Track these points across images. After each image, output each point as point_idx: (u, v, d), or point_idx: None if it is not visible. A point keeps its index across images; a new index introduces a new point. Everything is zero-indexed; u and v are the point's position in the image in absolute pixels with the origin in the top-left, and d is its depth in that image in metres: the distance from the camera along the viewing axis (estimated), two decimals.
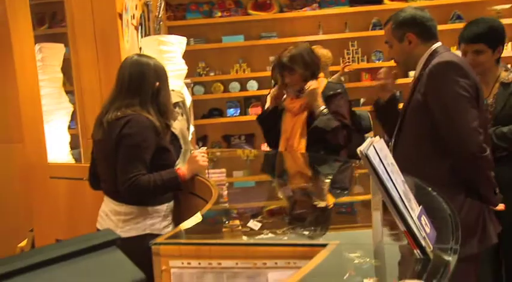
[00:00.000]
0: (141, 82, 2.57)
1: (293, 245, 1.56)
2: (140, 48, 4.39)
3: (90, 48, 3.84)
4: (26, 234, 3.62)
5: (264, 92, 6.29)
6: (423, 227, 1.29)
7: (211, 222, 2.20)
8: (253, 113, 6.52)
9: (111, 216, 2.59)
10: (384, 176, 1.25)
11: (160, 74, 2.62)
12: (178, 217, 2.65)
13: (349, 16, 6.49)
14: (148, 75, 2.57)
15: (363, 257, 1.41)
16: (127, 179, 2.44)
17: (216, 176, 2.86)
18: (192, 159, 2.69)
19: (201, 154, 2.71)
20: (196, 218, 2.05)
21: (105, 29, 3.85)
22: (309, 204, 2.41)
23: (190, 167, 2.66)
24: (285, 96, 3.47)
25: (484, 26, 2.90)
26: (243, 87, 6.61)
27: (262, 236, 1.77)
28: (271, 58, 6.51)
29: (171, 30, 6.22)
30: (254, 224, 1.92)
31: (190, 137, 3.77)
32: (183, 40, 4.18)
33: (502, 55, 3.04)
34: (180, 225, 1.97)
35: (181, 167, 2.64)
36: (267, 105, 3.55)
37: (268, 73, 6.44)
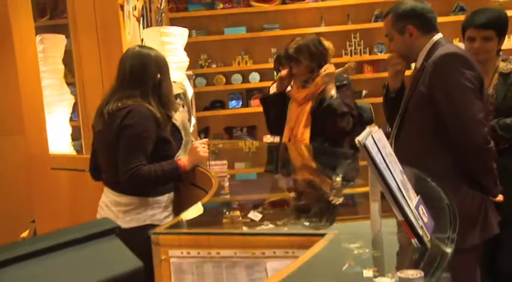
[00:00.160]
0: (142, 74, 2.57)
1: (291, 234, 1.57)
2: (142, 40, 4.39)
3: (91, 39, 3.84)
4: (27, 225, 3.63)
5: (266, 84, 6.29)
6: (421, 217, 1.29)
7: (212, 213, 2.20)
8: (255, 105, 6.52)
9: (111, 207, 2.59)
10: (382, 166, 1.25)
11: (161, 65, 2.62)
12: (178, 208, 2.65)
13: (352, 8, 6.47)
14: (149, 67, 2.57)
15: (361, 246, 1.42)
16: (128, 169, 2.44)
17: (218, 168, 2.87)
18: (193, 150, 2.70)
19: (201, 145, 2.71)
20: (197, 209, 2.06)
21: (107, 20, 3.85)
22: (310, 196, 2.42)
23: (191, 158, 2.66)
24: (291, 84, 3.49)
25: (495, 13, 2.90)
26: (245, 79, 6.60)
27: (262, 227, 1.78)
28: (273, 50, 6.51)
29: (173, 22, 6.21)
30: (255, 215, 1.92)
31: (191, 129, 3.77)
32: (185, 32, 4.18)
33: (504, 47, 3.04)
34: (180, 215, 1.98)
35: (182, 158, 2.65)
36: (273, 89, 3.57)
37: (270, 65, 6.45)
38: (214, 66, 6.61)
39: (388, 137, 1.92)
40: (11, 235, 3.47)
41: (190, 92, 4.02)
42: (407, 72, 2.69)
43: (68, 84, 4.31)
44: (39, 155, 3.57)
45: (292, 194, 2.53)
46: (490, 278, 3.02)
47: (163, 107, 2.59)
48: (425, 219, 1.32)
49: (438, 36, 2.48)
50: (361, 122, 3.60)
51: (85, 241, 0.99)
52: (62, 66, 4.19)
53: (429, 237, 1.29)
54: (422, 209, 1.34)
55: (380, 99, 2.99)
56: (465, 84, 2.27)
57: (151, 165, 2.49)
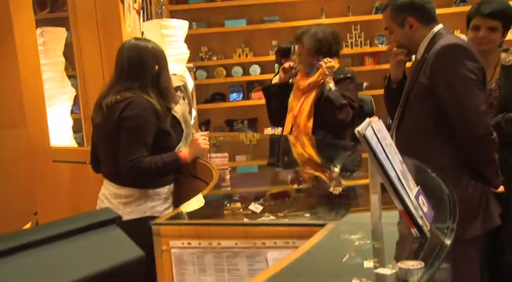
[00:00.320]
0: (140, 66, 2.56)
1: (292, 225, 1.58)
2: (142, 33, 4.39)
3: (91, 32, 3.83)
4: (29, 218, 3.65)
5: (267, 76, 6.29)
6: (420, 207, 1.30)
7: (213, 205, 2.21)
8: (256, 97, 6.52)
9: (111, 200, 2.60)
10: (382, 156, 1.26)
11: (159, 57, 2.61)
12: (179, 199, 2.66)
13: (352, 0, 6.46)
14: (147, 59, 2.56)
15: (362, 237, 1.42)
16: (129, 161, 2.44)
17: (219, 160, 2.88)
18: (194, 142, 2.70)
19: (202, 137, 2.72)
20: (198, 200, 2.06)
21: (107, 13, 3.84)
22: (311, 188, 2.43)
23: (192, 150, 2.67)
24: (296, 71, 3.50)
25: (502, 5, 2.89)
26: (246, 72, 6.60)
27: (263, 218, 1.78)
28: (274, 42, 6.50)
29: (173, 14, 6.20)
30: (255, 207, 1.93)
31: (192, 121, 3.77)
32: (185, 24, 4.17)
33: (507, 38, 3.04)
34: (181, 206, 1.99)
35: (183, 150, 2.65)
36: (275, 81, 3.58)
37: (270, 57, 6.45)
38: (214, 58, 6.61)
39: (389, 129, 1.92)
40: (14, 227, 3.48)
41: (190, 85, 4.02)
42: (408, 64, 2.69)
43: (69, 77, 4.31)
44: (41, 147, 3.58)
45: (293, 186, 2.54)
46: (490, 271, 3.03)
47: (162, 99, 2.59)
48: (425, 209, 1.33)
49: (438, 27, 2.47)
50: (362, 114, 3.60)
51: (86, 231, 0.99)
52: (63, 59, 4.19)
53: (429, 227, 1.30)
54: (422, 199, 1.35)
55: (381, 91, 2.99)
56: (468, 76, 2.27)
57: (152, 157, 2.49)
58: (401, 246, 1.46)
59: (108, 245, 0.99)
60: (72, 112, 4.31)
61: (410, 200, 1.28)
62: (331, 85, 3.25)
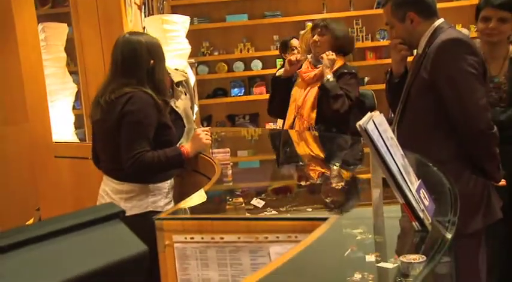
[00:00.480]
0: (134, 61, 2.53)
1: (294, 219, 1.58)
2: (144, 28, 4.39)
3: (93, 27, 3.84)
4: (32, 213, 3.66)
5: (268, 71, 6.29)
6: (422, 200, 1.30)
7: (215, 200, 2.22)
8: (258, 92, 6.53)
9: (112, 195, 2.60)
10: (383, 150, 1.26)
11: (153, 50, 2.58)
12: (181, 194, 2.67)
13: None
14: (141, 53, 2.54)
15: (363, 231, 1.43)
16: (131, 156, 2.44)
17: (221, 156, 2.88)
18: (196, 137, 2.70)
19: (204, 132, 2.72)
20: (200, 195, 2.07)
21: (108, 8, 3.84)
22: (313, 183, 2.43)
23: (194, 145, 2.67)
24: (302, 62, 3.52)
25: None
26: (247, 67, 6.60)
27: (265, 213, 1.79)
28: (275, 37, 6.50)
29: (174, 10, 6.20)
30: (257, 202, 1.94)
31: (194, 117, 3.78)
32: (186, 19, 4.18)
33: None
34: (183, 201, 1.99)
35: (185, 145, 2.66)
36: (280, 72, 3.59)
37: (272, 52, 6.45)
38: (216, 53, 6.61)
39: (390, 123, 1.92)
40: (16, 223, 3.49)
41: (192, 80, 4.03)
42: (410, 59, 2.69)
43: (71, 72, 4.32)
44: (43, 143, 3.59)
45: (295, 181, 2.54)
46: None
47: (158, 93, 2.56)
48: (426, 203, 1.33)
49: (439, 21, 2.46)
50: (364, 108, 3.60)
51: (90, 225, 0.99)
52: (64, 55, 4.20)
53: (430, 221, 1.31)
54: (423, 192, 1.35)
55: (382, 86, 2.99)
56: (468, 70, 2.27)
57: (155, 152, 2.50)
58: (402, 240, 1.46)
59: (112, 239, 0.99)
60: (73, 108, 4.32)
61: (412, 193, 1.28)
62: (329, 76, 3.27)
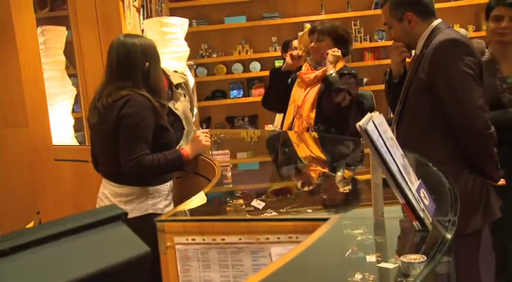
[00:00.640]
0: (130, 64, 2.52)
1: (295, 219, 1.59)
2: (142, 30, 4.40)
3: (92, 30, 3.85)
4: (32, 217, 3.66)
5: (267, 73, 6.30)
6: (422, 200, 1.31)
7: (215, 201, 2.22)
8: (257, 94, 6.54)
9: (111, 198, 2.60)
10: (383, 150, 1.27)
11: (148, 52, 2.57)
12: (181, 196, 2.67)
13: None
14: (136, 56, 2.53)
15: (364, 232, 1.43)
16: (131, 159, 2.44)
17: (220, 158, 2.88)
18: (195, 139, 2.71)
19: (203, 134, 2.72)
20: (200, 197, 2.07)
21: (107, 11, 3.85)
22: (313, 184, 2.44)
23: (194, 147, 2.67)
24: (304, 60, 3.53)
25: None
26: (246, 69, 6.61)
27: (265, 214, 1.79)
28: (274, 39, 6.51)
29: (172, 12, 6.21)
30: (258, 203, 1.94)
31: (194, 119, 3.78)
32: (185, 22, 4.19)
33: None
34: (184, 203, 2.00)
35: (185, 147, 2.66)
36: (284, 64, 3.60)
37: (270, 54, 6.46)
38: (214, 55, 6.62)
39: (389, 124, 1.93)
40: (16, 227, 3.49)
41: (191, 82, 4.03)
42: (408, 59, 2.70)
43: (70, 75, 4.32)
44: (43, 146, 3.59)
45: (295, 182, 2.55)
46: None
47: (154, 95, 2.54)
48: (427, 202, 1.34)
49: (437, 21, 2.47)
50: (363, 109, 3.61)
51: (92, 227, 1.00)
52: (64, 58, 4.20)
53: (430, 220, 1.31)
54: (423, 192, 1.36)
55: (381, 87, 3.00)
56: (465, 71, 2.28)
57: (155, 155, 2.50)
58: (403, 240, 1.47)
59: (114, 241, 1.00)
60: (73, 111, 4.32)
61: (412, 193, 1.29)
62: (332, 72, 3.29)
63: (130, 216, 2.50)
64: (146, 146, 2.48)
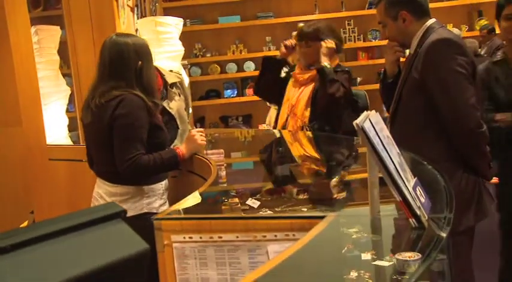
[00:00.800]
0: (122, 63, 2.52)
1: (291, 217, 1.60)
2: (136, 30, 4.40)
3: (86, 30, 3.84)
4: (26, 216, 3.64)
5: None
6: (418, 197, 1.32)
7: (211, 200, 2.22)
8: (251, 93, 6.54)
9: (106, 198, 2.59)
10: (380, 148, 1.28)
11: (140, 51, 2.56)
12: (177, 195, 2.67)
13: None
14: (128, 55, 2.52)
15: (360, 230, 1.44)
16: (127, 159, 2.44)
17: (215, 157, 2.88)
18: (191, 138, 2.71)
19: (199, 133, 2.73)
20: (195, 197, 2.07)
21: (101, 10, 3.85)
22: (307, 183, 2.44)
23: (189, 146, 2.67)
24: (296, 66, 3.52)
25: None
26: (240, 68, 6.62)
27: (260, 213, 1.80)
28: (268, 38, 6.52)
29: (166, 12, 6.21)
30: (253, 202, 1.94)
31: (189, 118, 3.78)
32: (179, 21, 4.19)
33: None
34: (180, 202, 2.00)
35: (180, 147, 2.66)
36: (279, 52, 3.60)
37: (265, 53, 6.46)
38: (208, 55, 6.62)
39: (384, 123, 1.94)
40: (10, 226, 3.48)
41: (186, 81, 4.03)
42: (402, 59, 2.71)
43: (63, 75, 4.31)
44: (37, 146, 3.58)
45: (290, 181, 2.55)
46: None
47: (147, 95, 2.54)
48: (423, 200, 1.35)
49: (431, 21, 2.49)
50: (357, 109, 3.63)
51: (92, 225, 1.00)
52: (58, 58, 4.19)
53: (426, 217, 1.32)
54: (419, 190, 1.37)
55: (375, 86, 3.01)
56: (458, 70, 2.30)
57: (150, 155, 2.50)
58: (399, 238, 1.48)
59: (114, 238, 1.00)
60: (67, 111, 4.31)
61: (408, 190, 1.30)
62: (326, 63, 3.28)
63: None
64: (141, 145, 2.48)
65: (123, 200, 2.55)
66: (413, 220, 1.31)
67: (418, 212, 1.30)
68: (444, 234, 1.30)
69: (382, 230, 1.52)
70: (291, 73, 3.49)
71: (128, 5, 4.25)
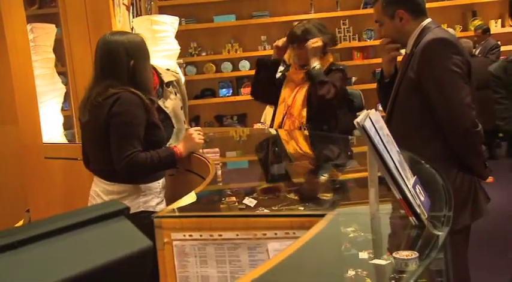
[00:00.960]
0: (114, 62, 2.51)
1: (292, 215, 1.60)
2: (132, 28, 4.39)
3: (81, 28, 3.83)
4: (22, 215, 3.64)
5: None
6: (418, 196, 1.33)
7: (208, 199, 2.23)
8: (246, 93, 6.55)
9: (103, 196, 2.60)
10: (380, 147, 1.29)
11: (133, 51, 2.54)
12: (174, 193, 2.67)
13: None
14: (119, 55, 2.51)
15: (360, 227, 1.45)
16: (124, 157, 2.44)
17: (210, 156, 2.89)
18: (188, 137, 2.71)
19: (196, 132, 2.73)
20: (193, 195, 2.07)
21: (97, 9, 3.84)
22: (303, 182, 2.45)
23: (187, 145, 2.67)
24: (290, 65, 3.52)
25: None
26: (235, 67, 6.62)
27: (257, 212, 1.80)
28: (263, 38, 6.52)
29: (162, 10, 6.21)
30: (249, 201, 1.95)
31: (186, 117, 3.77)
32: (175, 20, 4.19)
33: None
34: (177, 202, 2.00)
35: (178, 145, 2.66)
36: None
37: (260, 53, 6.47)
38: (204, 54, 6.62)
39: None
40: (5, 225, 3.47)
41: (182, 80, 4.03)
42: (399, 58, 2.72)
43: (59, 73, 4.29)
44: (33, 144, 3.57)
45: (286, 180, 2.56)
46: None
47: (143, 93, 2.54)
48: (422, 198, 1.36)
49: (427, 21, 2.50)
50: (352, 108, 3.64)
51: (95, 222, 1.01)
52: (53, 56, 4.17)
53: (426, 216, 1.33)
54: (419, 188, 1.38)
55: (369, 86, 3.02)
56: (453, 69, 2.31)
57: (147, 152, 2.50)
58: (398, 236, 1.49)
59: (118, 235, 1.01)
60: (62, 109, 4.30)
61: (408, 189, 1.31)
62: (316, 64, 3.27)
63: None
64: (138, 143, 2.48)
65: (120, 198, 2.55)
66: (414, 218, 1.32)
67: (418, 210, 1.31)
68: (444, 233, 1.31)
69: (382, 228, 1.53)
70: (286, 73, 3.49)
71: (123, 3, 4.24)
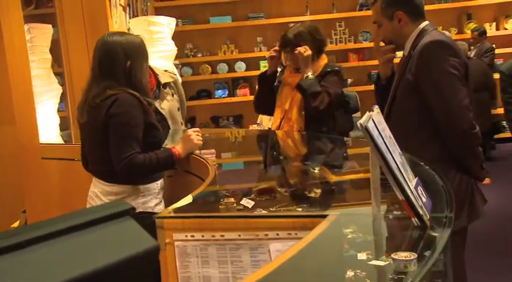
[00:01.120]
0: (111, 63, 2.51)
1: (294, 216, 1.61)
2: (128, 29, 4.39)
3: (78, 29, 3.83)
4: (18, 216, 3.62)
5: (252, 73, 6.33)
6: (420, 197, 1.34)
7: (204, 200, 2.23)
8: (241, 94, 6.56)
9: (101, 197, 2.60)
10: (383, 148, 1.30)
11: (130, 51, 2.53)
12: (172, 194, 2.67)
13: None
14: (116, 56, 2.50)
15: (361, 228, 1.45)
16: (123, 158, 2.44)
17: (207, 157, 2.89)
18: (187, 138, 2.71)
19: (195, 133, 2.73)
20: (189, 199, 2.07)
21: (94, 9, 3.84)
22: (300, 183, 2.45)
23: (185, 146, 2.67)
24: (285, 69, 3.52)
25: None
26: (231, 69, 6.63)
27: (255, 213, 1.80)
28: (259, 39, 6.53)
29: (158, 11, 6.20)
30: (247, 202, 1.95)
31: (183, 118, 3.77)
32: (172, 21, 4.19)
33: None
34: (180, 201, 2.00)
35: (176, 146, 2.66)
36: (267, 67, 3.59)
37: (255, 54, 6.49)
38: (199, 55, 6.62)
39: None
40: (2, 226, 3.46)
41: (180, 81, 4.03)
42: (396, 60, 2.73)
43: (55, 74, 4.29)
44: (30, 144, 3.56)
45: (283, 182, 2.56)
46: None
47: (140, 95, 2.54)
48: (424, 199, 1.37)
49: (425, 23, 2.51)
50: (348, 110, 3.65)
51: (100, 222, 1.01)
52: (50, 56, 4.17)
53: (428, 217, 1.34)
54: (420, 189, 1.39)
55: (365, 88, 3.03)
56: (450, 71, 2.33)
57: (146, 154, 2.50)
58: (397, 238, 1.49)
59: (124, 236, 1.01)
60: (58, 110, 4.29)
61: (411, 190, 1.32)
62: (309, 73, 3.27)
63: None
64: (137, 144, 2.48)
65: (118, 199, 2.55)
66: (416, 219, 1.33)
67: (421, 211, 1.31)
68: (446, 233, 1.32)
69: (382, 229, 1.54)
70: (282, 77, 3.49)
71: (120, 4, 4.24)
